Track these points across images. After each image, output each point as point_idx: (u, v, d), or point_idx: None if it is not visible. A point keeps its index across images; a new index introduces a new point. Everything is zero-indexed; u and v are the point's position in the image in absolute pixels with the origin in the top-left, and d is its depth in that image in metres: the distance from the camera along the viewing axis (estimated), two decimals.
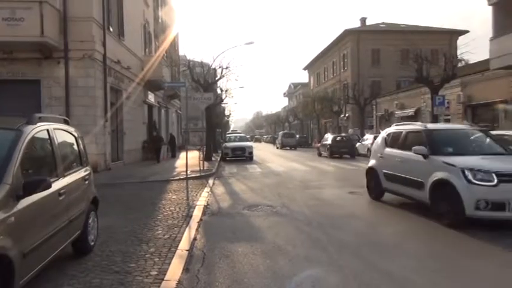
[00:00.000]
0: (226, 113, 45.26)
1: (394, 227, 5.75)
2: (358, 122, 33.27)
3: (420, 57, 19.22)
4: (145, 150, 19.53)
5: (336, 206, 7.39)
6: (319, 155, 23.48)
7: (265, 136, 63.27)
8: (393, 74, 35.55)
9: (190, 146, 22.43)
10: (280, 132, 41.66)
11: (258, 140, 72.63)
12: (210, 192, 9.20)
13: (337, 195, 8.72)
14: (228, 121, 53.60)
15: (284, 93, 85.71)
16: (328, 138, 23.32)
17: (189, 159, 12.60)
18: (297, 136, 41.98)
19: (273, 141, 46.36)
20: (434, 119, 19.71)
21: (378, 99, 31.66)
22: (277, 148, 35.33)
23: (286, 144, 35.41)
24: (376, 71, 36.32)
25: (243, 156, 21.04)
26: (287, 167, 16.47)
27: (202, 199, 8.06)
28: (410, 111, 27.03)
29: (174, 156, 21.06)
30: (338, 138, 22.97)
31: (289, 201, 8.02)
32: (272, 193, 9.11)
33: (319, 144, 23.75)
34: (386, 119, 29.49)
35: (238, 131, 54.87)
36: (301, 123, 55.08)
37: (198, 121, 15.87)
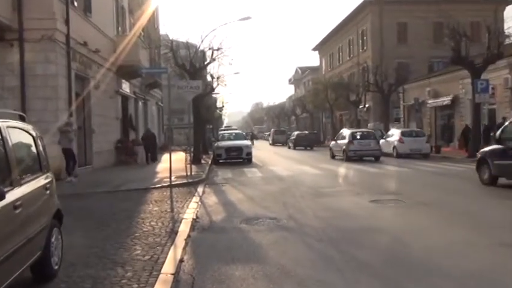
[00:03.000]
0: (219, 104, 45.28)
1: (427, 242, 5.78)
2: (381, 114, 33.32)
3: (458, 33, 19.23)
4: (119, 152, 19.57)
5: (354, 218, 7.42)
6: (332, 157, 22.64)
7: (266, 133, 63.33)
8: (424, 54, 35.57)
9: (174, 146, 22.54)
10: (273, 129, 52.69)
11: (255, 138, 72.81)
12: (199, 203, 9.22)
13: (356, 204, 8.75)
14: (220, 115, 53.66)
15: (289, 80, 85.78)
16: (345, 135, 21.56)
17: (173, 163, 12.60)
18: (306, 132, 42.45)
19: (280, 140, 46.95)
20: (476, 108, 19.76)
21: (405, 85, 31.71)
22: (289, 148, 37.19)
23: (277, 141, 45.67)
24: (403, 50, 36.35)
25: (240, 158, 21.06)
26: (294, 170, 16.47)
27: (190, 211, 8.08)
28: (445, 100, 27.08)
29: (154, 159, 21.09)
30: (358, 134, 21.34)
31: (297, 212, 8.05)
32: (276, 203, 9.13)
33: (333, 143, 23.44)
34: (417, 110, 29.52)
35: (233, 127, 54.92)
36: (310, 117, 55.17)
37: (184, 115, 15.91)
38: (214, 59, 21.48)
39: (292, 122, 74.25)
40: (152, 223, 7.08)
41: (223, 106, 47.27)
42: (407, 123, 32.26)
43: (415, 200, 8.94)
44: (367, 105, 36.49)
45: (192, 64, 20.25)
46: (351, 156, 20.39)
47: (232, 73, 39.30)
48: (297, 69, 79.81)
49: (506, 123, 11.06)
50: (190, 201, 9.27)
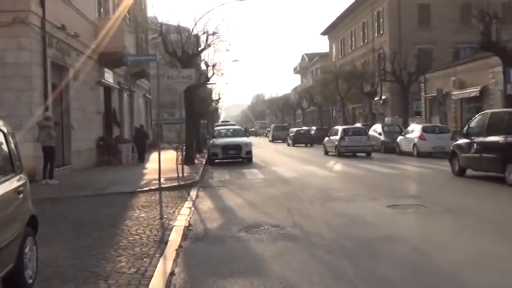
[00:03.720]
0: (214, 97, 45.30)
1: (453, 254, 5.77)
2: (399, 108, 33.31)
3: (487, 14, 19.16)
4: (101, 151, 19.61)
5: (369, 226, 7.42)
6: (326, 153, 25.82)
7: (267, 129, 63.41)
8: (449, 39, 35.54)
9: (164, 144, 22.59)
10: (273, 125, 55.26)
11: (256, 134, 73.18)
12: (192, 208, 9.23)
13: (371, 209, 8.75)
14: (216, 108, 53.69)
15: (295, 69, 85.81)
16: (337, 131, 24.82)
17: (162, 163, 12.61)
18: (313, 129, 42.65)
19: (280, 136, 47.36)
20: (508, 101, 19.66)
21: (427, 74, 31.70)
22: (288, 145, 39.11)
23: (278, 138, 48.28)
24: (425, 34, 36.30)
25: (239, 158, 21.09)
26: (300, 171, 16.48)
27: (181, 218, 8.09)
28: (473, 91, 27.03)
29: (142, 158, 21.11)
30: (350, 130, 24.66)
31: (303, 219, 8.05)
32: (279, 208, 9.13)
33: (326, 139, 26.43)
34: (440, 103, 29.49)
35: (231, 122, 54.94)
36: (319, 110, 55.17)
37: (175, 109, 15.94)
38: (209, 45, 21.46)
39: (298, 117, 74.23)
40: (139, 231, 7.08)
41: (219, 98, 47.25)
42: (429, 117, 32.24)
43: (439, 206, 8.93)
44: (383, 97, 36.46)
45: (184, 51, 20.24)
46: (342, 152, 23.59)
47: (230, 61, 39.38)
48: (303, 57, 79.77)
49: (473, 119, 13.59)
50: (182, 206, 9.27)
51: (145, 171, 16.81)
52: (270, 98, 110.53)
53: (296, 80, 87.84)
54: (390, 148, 24.63)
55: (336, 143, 24.23)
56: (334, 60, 53.68)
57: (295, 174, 15.62)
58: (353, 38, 47.80)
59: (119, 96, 23.82)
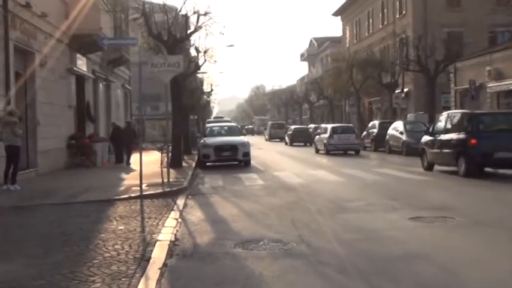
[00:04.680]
0: (206, 88, 45.33)
1: (487, 276, 5.76)
2: (424, 102, 33.34)
3: None
4: (72, 151, 19.62)
5: (388, 241, 7.41)
6: (317, 151, 30.30)
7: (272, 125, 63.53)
8: (483, 22, 35.50)
9: (146, 144, 22.51)
10: (269, 123, 59.52)
11: (252, 132, 73.59)
12: (179, 220, 9.23)
13: (391, 222, 8.75)
14: (208, 102, 53.72)
15: (301, 55, 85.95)
16: (327, 130, 29.83)
17: (145, 166, 12.58)
18: (304, 126, 43.53)
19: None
20: None
21: (457, 63, 31.70)
22: (286, 144, 42.84)
23: (275, 136, 51.76)
24: (455, 16, 36.35)
25: (234, 160, 21.16)
26: (306, 176, 16.49)
27: (166, 231, 8.09)
28: None
29: (120, 160, 21.12)
30: (339, 129, 30.00)
31: (311, 233, 8.04)
32: (282, 220, 9.12)
33: (317, 137, 31.00)
34: (473, 96, 29.50)
35: (226, 118, 54.96)
36: (330, 105, 55.28)
37: (160, 103, 15.93)
38: (200, 27, 21.49)
39: (305, 112, 74.34)
40: (116, 246, 7.07)
41: (212, 90, 47.28)
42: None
43: (471, 218, 8.93)
44: (405, 90, 36.51)
45: (170, 34, 20.24)
46: (331, 150, 28.24)
47: (225, 46, 39.18)
48: (311, 42, 79.90)
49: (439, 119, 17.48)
50: (168, 217, 9.27)
51: (124, 175, 16.79)
52: (271, 90, 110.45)
53: (303, 69, 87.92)
54: (413, 150, 24.57)
55: (325, 141, 28.73)
56: (347, 45, 53.72)
57: (300, 180, 15.63)
58: (370, 20, 47.85)
59: (93, 87, 23.81)
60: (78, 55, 20.82)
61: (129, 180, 14.91)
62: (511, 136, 15.11)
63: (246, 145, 21.35)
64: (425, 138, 17.85)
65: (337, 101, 53.89)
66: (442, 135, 16.51)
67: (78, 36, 19.54)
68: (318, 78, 61.13)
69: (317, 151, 30.31)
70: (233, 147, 20.98)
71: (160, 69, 13.83)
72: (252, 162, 21.65)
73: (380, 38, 44.62)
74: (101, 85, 25.27)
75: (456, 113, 17.36)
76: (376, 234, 7.90)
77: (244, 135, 24.83)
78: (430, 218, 8.94)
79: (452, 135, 15.91)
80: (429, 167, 17.28)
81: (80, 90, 21.53)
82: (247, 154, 21.06)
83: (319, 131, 32.41)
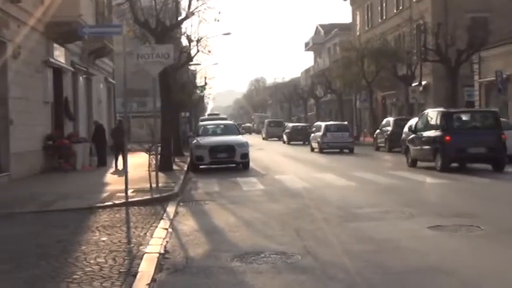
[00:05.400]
0: (199, 82, 45.36)
1: None
2: (444, 96, 33.33)
3: None
4: (49, 153, 19.61)
5: (404, 253, 7.41)
6: (312, 149, 33.83)
7: (269, 123, 63.84)
8: (511, 6, 35.51)
9: (132, 145, 22.49)
10: (266, 120, 63.93)
11: (250, 131, 73.82)
12: (169, 230, 9.22)
13: (407, 231, 8.75)
14: (202, 97, 53.72)
15: (306, 44, 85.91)
16: (320, 128, 33.58)
17: (131, 169, 12.56)
18: (302, 124, 44.59)
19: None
20: None
21: (482, 52, 31.69)
22: (284, 143, 47.12)
23: (272, 135, 55.25)
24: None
25: (231, 162, 21.22)
26: (312, 180, 16.52)
27: (155, 242, 8.09)
28: None
29: (103, 163, 21.10)
30: (332, 127, 33.62)
31: (317, 244, 8.04)
32: (285, 229, 9.13)
33: (312, 135, 34.68)
34: (500, 89, 29.49)
35: (221, 115, 54.97)
36: (338, 100, 55.30)
37: (147, 98, 15.92)
38: (192, 13, 21.52)
39: (311, 108, 74.35)
40: (99, 260, 7.07)
41: (206, 84, 47.32)
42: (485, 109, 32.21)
43: (498, 227, 8.92)
44: (423, 83, 36.52)
45: (159, 21, 20.25)
46: (324, 148, 31.90)
47: (220, 34, 39.13)
48: (317, 29, 79.96)
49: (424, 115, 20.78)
50: (156, 227, 9.26)
51: (107, 180, 16.78)
52: (273, 83, 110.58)
53: (308, 60, 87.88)
54: None
55: (319, 139, 32.41)
56: (358, 33, 53.73)
57: (305, 184, 15.65)
58: (383, 4, 47.88)
59: (72, 81, 23.81)
60: (56, 45, 20.80)
61: (113, 185, 14.89)
62: (483, 133, 18.37)
63: (245, 145, 21.35)
64: (410, 136, 21.07)
65: (346, 95, 53.89)
66: (422, 133, 19.60)
67: (55, 24, 19.53)
68: (325, 70, 61.18)
69: (312, 149, 33.94)
70: (230, 148, 20.97)
71: (147, 60, 13.82)
72: (251, 164, 21.65)
73: (395, 25, 44.63)
74: (81, 79, 25.26)
75: (433, 111, 20.51)
76: (391, 245, 7.89)
77: (242, 134, 24.81)
78: (452, 227, 8.94)
79: (431, 133, 18.95)
80: (413, 164, 20.27)
81: (58, 85, 21.52)
82: (245, 156, 21.05)
83: (314, 129, 35.62)
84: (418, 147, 19.70)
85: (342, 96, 54.08)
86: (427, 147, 18.95)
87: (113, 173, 18.82)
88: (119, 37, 21.44)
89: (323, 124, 33.75)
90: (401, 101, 40.53)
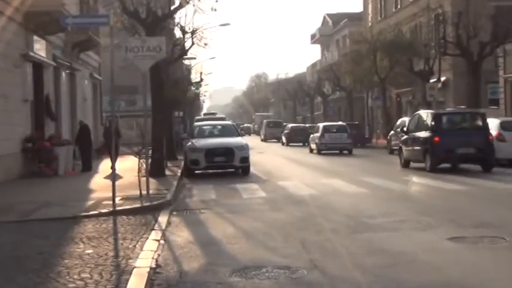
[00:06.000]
0: (195, 78, 45.34)
1: None
2: (466, 94, 33.30)
3: None
4: (28, 157, 19.60)
5: (422, 268, 7.41)
6: (311, 151, 36.72)
7: (268, 123, 64.16)
8: None
9: (121, 148, 22.47)
10: (265, 121, 66.27)
11: (249, 132, 74.16)
12: (161, 242, 9.22)
13: (425, 243, 8.75)
14: (198, 94, 53.71)
15: (313, 36, 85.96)
16: (319, 128, 36.88)
17: (120, 175, 12.52)
18: (302, 125, 45.52)
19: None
20: None
21: (507, 45, 31.64)
22: (283, 144, 50.64)
23: (272, 136, 58.67)
24: None
25: (230, 167, 21.26)
26: (319, 186, 16.56)
27: (146, 255, 8.08)
28: None
29: (88, 168, 21.08)
30: (330, 127, 36.96)
31: (325, 257, 8.05)
32: (290, 241, 9.14)
33: (311, 136, 37.48)
34: None
35: (219, 115, 54.97)
36: (348, 98, 55.38)
37: (137, 96, 15.93)
38: (187, 2, 21.51)
39: (318, 107, 74.36)
40: (84, 275, 7.07)
41: (202, 80, 47.26)
42: (510, 108, 32.23)
43: None
44: (442, 79, 36.51)
45: (150, 10, 20.24)
46: (322, 149, 34.58)
47: (218, 25, 39.05)
48: (325, 19, 79.98)
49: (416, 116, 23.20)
50: (147, 238, 9.26)
51: (93, 186, 16.77)
52: (275, 79, 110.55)
53: (314, 53, 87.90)
54: None
55: (317, 140, 35.16)
56: (370, 24, 53.77)
57: (311, 190, 15.69)
58: None
59: (54, 77, 23.81)
60: (36, 37, 20.82)
61: (100, 192, 14.87)
62: (471, 133, 20.40)
63: (245, 148, 21.35)
64: (404, 137, 23.18)
65: (357, 92, 53.91)
66: (414, 134, 21.79)
67: (35, 14, 19.53)
68: (333, 65, 61.13)
69: (311, 151, 36.83)
70: (228, 151, 20.96)
71: (137, 54, 13.83)
72: (252, 169, 21.65)
73: (411, 15, 44.62)
74: (63, 74, 25.28)
75: (424, 112, 23.20)
76: (406, 258, 7.88)
77: (242, 136, 24.81)
78: (474, 238, 8.94)
79: (421, 134, 21.09)
80: (405, 164, 22.38)
81: (38, 81, 21.53)
82: (245, 159, 21.06)
83: (314, 130, 38.48)
84: (410, 148, 21.85)
85: (352, 94, 54.13)
86: (418, 147, 21.01)
87: (107, 177, 18.77)
88: (105, 28, 21.44)
89: (321, 125, 37.05)
90: (417, 99, 40.51)
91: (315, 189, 16.06)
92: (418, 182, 17.19)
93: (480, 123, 20.68)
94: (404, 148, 22.53)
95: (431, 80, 36.22)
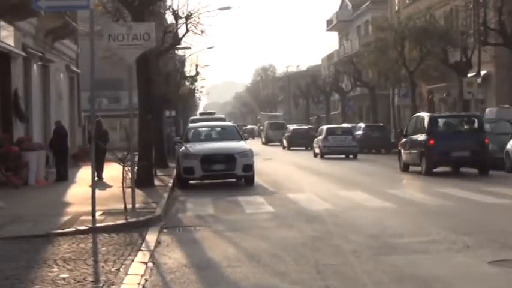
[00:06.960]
0: (189, 71, 45.40)
1: None
2: (510, 90, 33.25)
3: None
4: None
5: None
6: (315, 155, 40.52)
7: (270, 125, 64.90)
8: None
9: (107, 153, 22.47)
10: (266, 122, 70.37)
11: (252, 134, 74.91)
12: (150, 264, 9.23)
13: (461, 267, 8.75)
14: (193, 90, 53.77)
15: (329, 23, 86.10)
16: (322, 131, 40.82)
17: (101, 184, 12.51)
18: (305, 127, 47.62)
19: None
20: None
21: None
22: (284, 148, 54.51)
23: (273, 139, 62.16)
24: None
25: (230, 176, 21.38)
26: (337, 200, 16.62)
27: (131, 280, 8.08)
28: None
29: (63, 177, 21.10)
30: (334, 130, 41.02)
31: (343, 284, 8.04)
32: (301, 264, 9.14)
33: (316, 139, 41.03)
34: None
35: (218, 115, 55.02)
36: (371, 94, 55.29)
37: (121, 92, 15.96)
38: None
39: (335, 105, 74.32)
40: None
41: (197, 74, 47.32)
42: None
43: None
44: (482, 73, 36.48)
45: None
46: (325, 152, 37.92)
47: (217, 9, 39.08)
48: (343, 2, 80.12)
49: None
50: (132, 260, 9.25)
51: (69, 199, 16.77)
52: (285, 73, 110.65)
53: (331, 43, 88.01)
54: (496, 160, 24.51)
55: (320, 143, 38.53)
56: (397, 8, 53.83)
57: (327, 205, 15.71)
58: None
59: (24, 69, 23.83)
60: (2, 23, 20.85)
61: (77, 206, 14.85)
62: (466, 137, 23.83)
63: (248, 155, 21.34)
64: (403, 140, 26.19)
65: (381, 89, 53.92)
66: (411, 137, 24.99)
67: None
68: (353, 56, 61.19)
69: (315, 155, 40.18)
70: (228, 158, 20.95)
71: (122, 43, 13.84)
72: (256, 178, 21.65)
73: None
74: (35, 66, 25.30)
75: (421, 115, 26.55)
76: (439, 286, 7.86)
77: (246, 139, 24.75)
78: None
79: (418, 137, 24.30)
80: (405, 168, 25.37)
81: (5, 74, 21.55)
82: (249, 168, 21.05)
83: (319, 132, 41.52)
84: (408, 151, 25.09)
85: (375, 90, 54.06)
86: (415, 151, 24.22)
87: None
88: (84, 13, 21.43)
89: (324, 127, 41.17)
90: (453, 97, 40.47)
91: (330, 202, 16.07)
92: (451, 195, 17.13)
93: (476, 126, 23.85)
94: (403, 151, 25.57)
95: (470, 74, 36.13)
